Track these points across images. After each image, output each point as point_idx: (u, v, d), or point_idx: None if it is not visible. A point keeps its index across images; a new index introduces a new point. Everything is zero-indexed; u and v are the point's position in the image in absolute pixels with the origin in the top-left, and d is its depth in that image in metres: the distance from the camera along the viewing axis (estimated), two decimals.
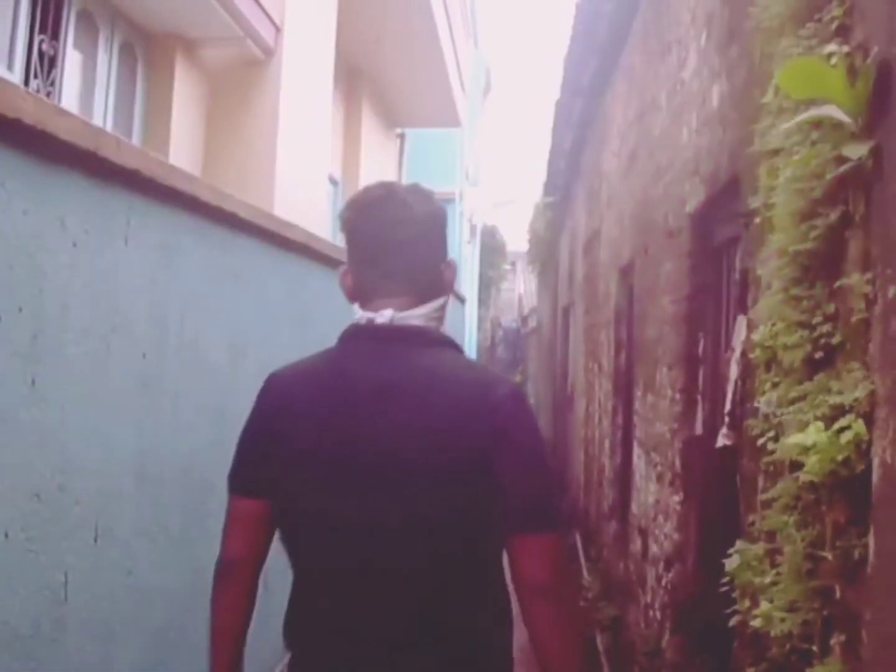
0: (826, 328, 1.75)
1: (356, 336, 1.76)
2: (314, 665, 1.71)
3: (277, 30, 6.54)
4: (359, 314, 1.78)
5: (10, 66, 4.53)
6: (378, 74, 11.03)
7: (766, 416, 2.03)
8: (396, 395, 1.65)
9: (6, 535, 1.92)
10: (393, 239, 1.76)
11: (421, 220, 1.78)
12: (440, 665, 1.64)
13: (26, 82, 4.62)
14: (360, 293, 1.80)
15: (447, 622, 1.66)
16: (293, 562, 1.75)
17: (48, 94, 4.77)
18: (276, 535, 1.78)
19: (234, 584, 1.79)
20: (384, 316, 1.73)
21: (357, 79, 10.69)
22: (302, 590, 1.75)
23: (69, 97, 5.08)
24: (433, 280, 1.81)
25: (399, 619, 1.64)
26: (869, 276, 1.56)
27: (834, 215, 1.73)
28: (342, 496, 1.63)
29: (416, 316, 1.74)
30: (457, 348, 1.81)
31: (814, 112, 1.68)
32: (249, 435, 1.79)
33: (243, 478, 1.78)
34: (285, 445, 1.70)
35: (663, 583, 3.73)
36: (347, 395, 1.68)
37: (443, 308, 1.82)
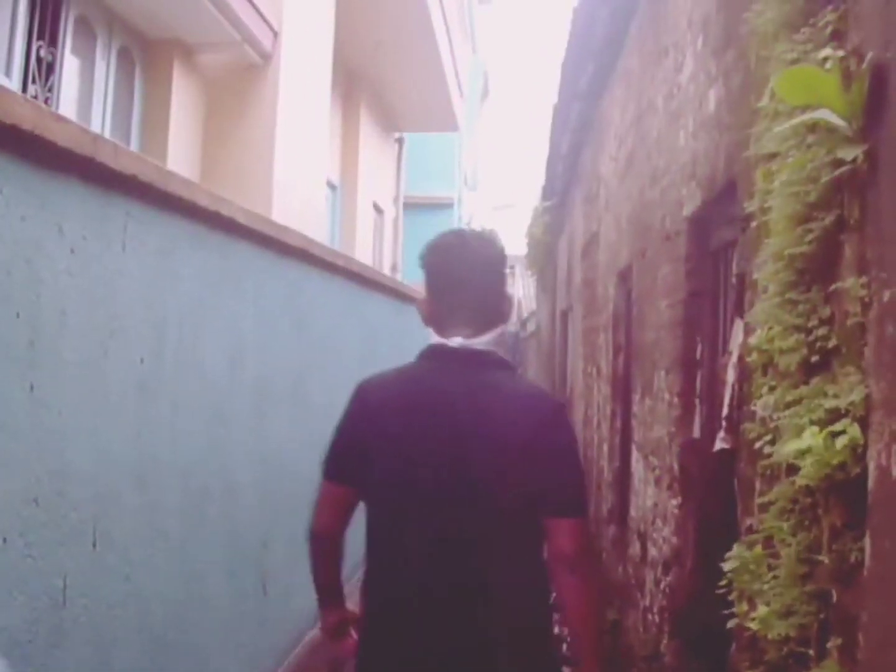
0: (822, 332, 1.75)
1: (432, 356, 2.20)
2: (391, 615, 2.13)
3: (275, 35, 6.55)
4: (434, 338, 2.21)
5: (8, 73, 4.53)
6: (376, 79, 11.03)
7: (763, 420, 2.03)
8: (463, 403, 2.08)
9: (4, 541, 1.92)
10: (461, 277, 2.19)
11: (483, 262, 2.22)
12: (497, 614, 2.06)
13: (24, 88, 4.62)
14: (435, 320, 2.23)
15: (501, 580, 2.07)
16: (373, 533, 2.18)
17: (46, 101, 4.78)
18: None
19: (322, 548, 2.28)
20: (455, 342, 2.16)
21: (355, 83, 10.69)
22: (381, 559, 2.17)
23: (67, 103, 5.08)
24: (494, 311, 2.23)
25: (461, 573, 2.06)
26: (864, 279, 1.56)
27: (829, 219, 1.73)
28: (420, 480, 2.05)
29: (479, 343, 2.17)
30: (512, 369, 2.28)
31: (809, 115, 1.68)
32: (341, 433, 2.22)
33: (334, 467, 2.22)
34: (372, 439, 2.12)
35: (662, 586, 3.73)
36: (424, 402, 2.12)
37: (502, 334, 2.26)
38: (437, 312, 2.21)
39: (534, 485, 2.05)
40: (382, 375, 2.26)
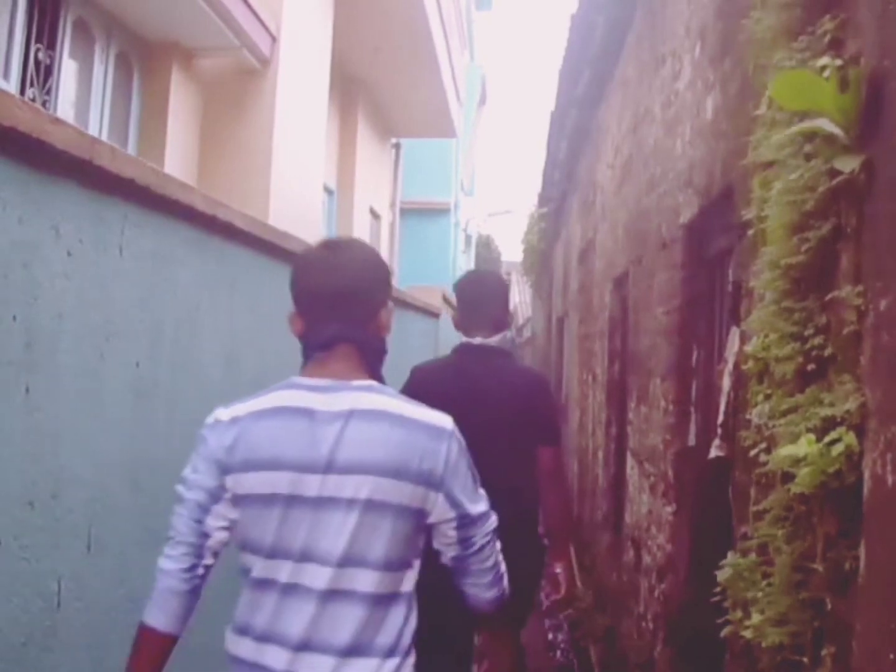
0: (818, 340, 1.75)
1: (463, 350, 3.51)
2: None
3: (274, 40, 6.55)
4: (464, 338, 3.51)
5: (6, 75, 4.53)
6: (374, 84, 11.04)
7: (759, 428, 2.03)
8: (485, 377, 3.37)
9: None
10: (482, 299, 3.54)
11: (495, 288, 3.64)
12: (518, 504, 3.18)
13: (22, 91, 4.61)
14: (462, 326, 3.54)
15: (517, 484, 3.25)
16: None
17: (44, 104, 4.77)
18: None
19: None
20: (477, 340, 3.46)
21: (353, 88, 10.69)
22: None
23: (65, 106, 5.08)
24: (500, 321, 3.53)
25: (494, 480, 2.85)
26: (860, 288, 1.56)
27: (826, 228, 1.73)
28: (464, 426, 2.90)
29: (493, 341, 3.47)
30: (512, 357, 3.74)
31: (806, 124, 1.68)
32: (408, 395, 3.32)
33: None
34: (431, 403, 3.22)
35: (656, 593, 3.73)
36: (462, 377, 3.38)
37: (504, 336, 3.54)
38: (465, 321, 3.53)
39: (530, 425, 3.33)
40: (430, 362, 3.75)
